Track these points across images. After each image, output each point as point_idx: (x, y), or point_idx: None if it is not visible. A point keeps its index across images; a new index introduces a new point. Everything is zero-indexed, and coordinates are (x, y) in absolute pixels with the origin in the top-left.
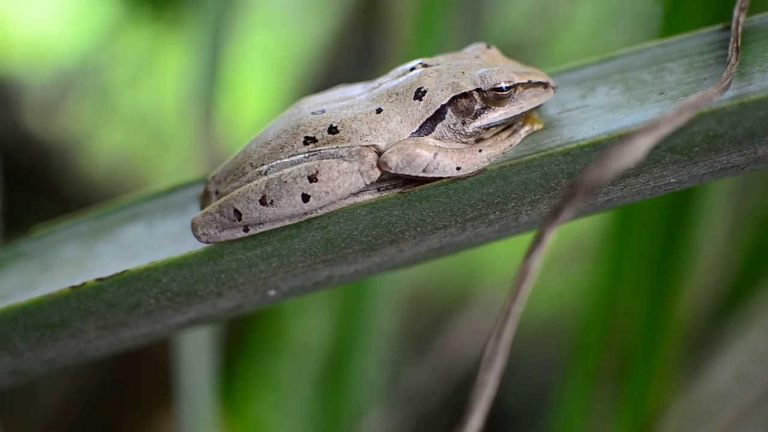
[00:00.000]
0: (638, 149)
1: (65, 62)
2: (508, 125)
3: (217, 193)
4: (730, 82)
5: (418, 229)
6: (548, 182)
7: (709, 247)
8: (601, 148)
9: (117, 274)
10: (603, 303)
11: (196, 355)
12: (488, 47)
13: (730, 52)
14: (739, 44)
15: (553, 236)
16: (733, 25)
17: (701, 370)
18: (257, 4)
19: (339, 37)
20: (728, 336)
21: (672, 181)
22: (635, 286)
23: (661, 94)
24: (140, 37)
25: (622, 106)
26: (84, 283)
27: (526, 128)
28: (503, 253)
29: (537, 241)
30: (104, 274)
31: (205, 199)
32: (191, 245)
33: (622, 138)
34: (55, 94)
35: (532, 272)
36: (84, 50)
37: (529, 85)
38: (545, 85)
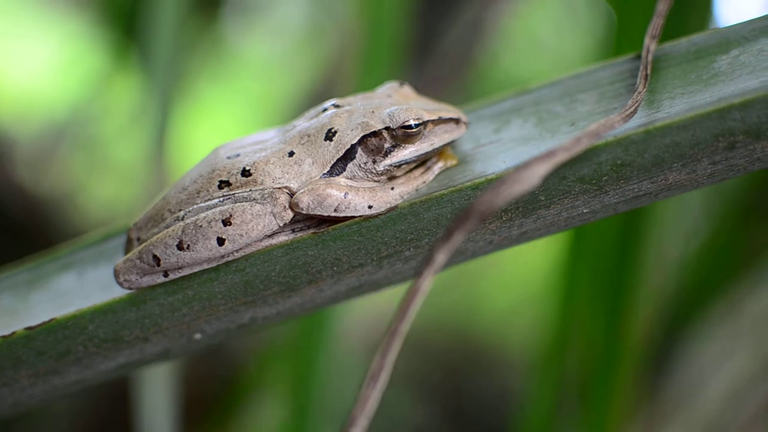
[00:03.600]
0: (534, 176)
1: (55, 114)
2: (422, 162)
3: (138, 239)
4: (635, 110)
5: (335, 268)
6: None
7: (660, 266)
8: None
9: (45, 323)
10: (557, 332)
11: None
12: (401, 85)
13: (638, 80)
14: (648, 72)
15: (444, 258)
16: (644, 53)
17: (659, 388)
18: (241, 52)
19: (308, 89)
20: (682, 352)
21: (585, 211)
22: (590, 309)
23: (572, 125)
24: (129, 86)
25: (534, 139)
26: (14, 332)
27: (440, 165)
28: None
29: (427, 262)
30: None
31: (128, 246)
32: (119, 292)
33: (519, 166)
34: (46, 146)
35: (422, 291)
36: (73, 102)
37: (440, 121)
38: (457, 121)
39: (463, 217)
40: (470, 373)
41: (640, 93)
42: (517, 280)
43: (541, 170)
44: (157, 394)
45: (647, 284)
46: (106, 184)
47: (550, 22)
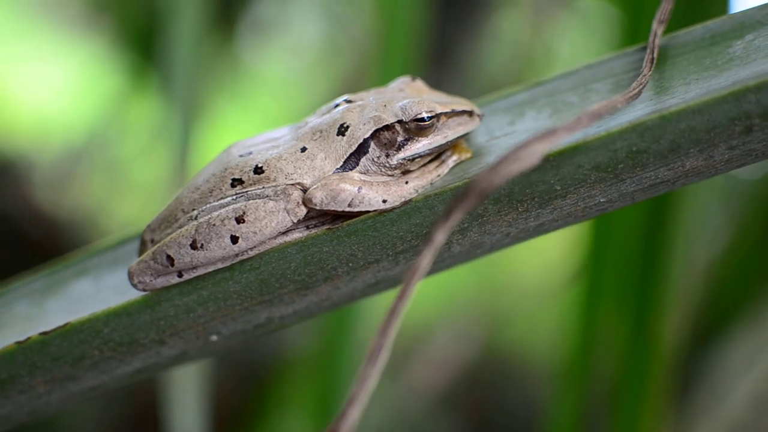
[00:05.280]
0: (534, 154)
1: (73, 136)
2: (437, 156)
3: (152, 241)
4: (639, 92)
5: (351, 264)
6: (475, 209)
7: (688, 271)
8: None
9: (59, 327)
10: (582, 339)
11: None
12: (413, 79)
13: (644, 63)
14: (654, 56)
15: (444, 238)
16: (651, 38)
17: (685, 394)
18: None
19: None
20: (709, 358)
21: (602, 200)
22: (616, 316)
23: None
24: (146, 107)
25: None
26: (29, 338)
27: (454, 158)
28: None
29: (428, 241)
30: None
31: (142, 248)
32: (134, 295)
33: (519, 145)
34: (64, 169)
35: (422, 270)
36: (91, 123)
37: (453, 114)
38: (470, 113)
39: (462, 196)
40: (495, 383)
41: (645, 75)
42: (539, 290)
43: (540, 149)
44: (187, 410)
45: (675, 289)
46: (127, 205)
47: (566, 33)
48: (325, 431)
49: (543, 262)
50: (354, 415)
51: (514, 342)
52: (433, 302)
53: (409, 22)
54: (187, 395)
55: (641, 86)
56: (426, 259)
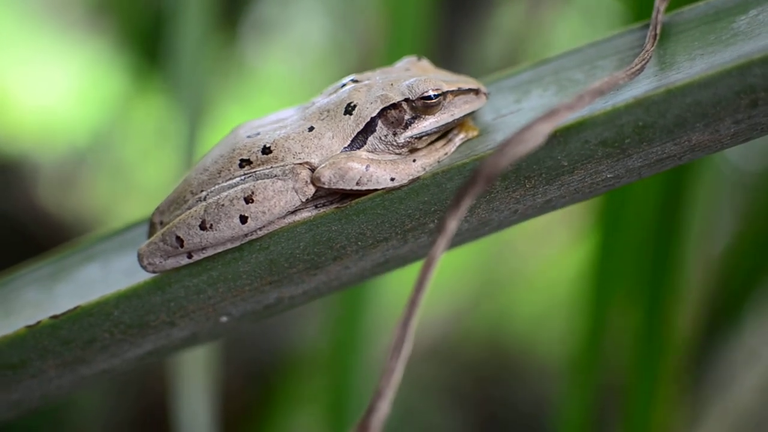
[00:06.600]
0: (538, 135)
1: (77, 138)
2: (444, 134)
3: (161, 223)
4: (642, 67)
5: (360, 243)
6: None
7: (700, 262)
8: None
9: (70, 311)
10: (590, 334)
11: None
12: (419, 59)
13: (647, 39)
14: (657, 32)
15: (455, 226)
16: (654, 13)
17: (699, 384)
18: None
19: None
20: (719, 348)
21: (609, 176)
22: (626, 310)
23: None
24: (150, 108)
25: None
26: (39, 322)
27: (461, 136)
28: (525, 300)
29: (440, 230)
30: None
31: (151, 231)
32: (143, 278)
33: (523, 126)
34: (69, 170)
35: (435, 262)
36: (95, 125)
37: (459, 92)
38: (476, 91)
39: (470, 182)
40: (503, 380)
41: (647, 51)
42: (547, 283)
43: (544, 129)
44: (195, 409)
45: (688, 279)
46: (132, 206)
47: (572, 30)
48: (355, 426)
49: (550, 255)
50: (384, 408)
51: (522, 336)
52: (439, 298)
53: (414, 18)
54: (195, 394)
55: (644, 62)
56: (440, 248)
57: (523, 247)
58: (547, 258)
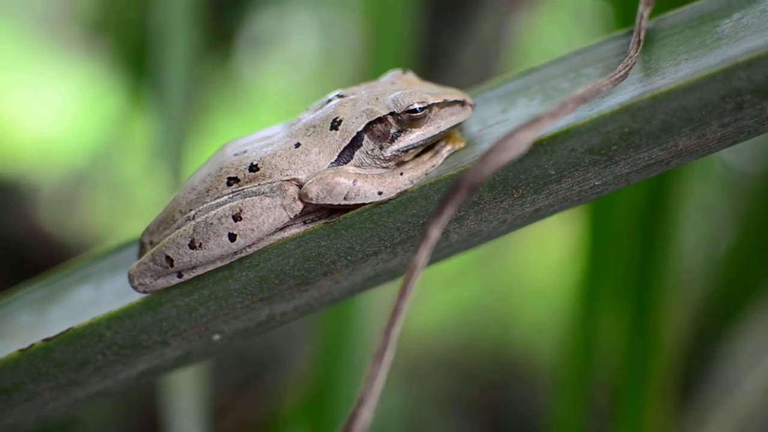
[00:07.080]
0: (521, 143)
1: (75, 159)
2: (431, 146)
3: (151, 243)
4: (626, 74)
5: (349, 257)
6: (471, 197)
7: (688, 266)
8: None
9: (62, 333)
10: (581, 340)
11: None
12: (404, 72)
13: (631, 45)
14: (641, 38)
15: (438, 234)
16: (637, 19)
17: (695, 389)
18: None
19: None
20: (718, 352)
21: (597, 183)
22: (616, 314)
23: None
24: (146, 126)
25: None
26: (32, 345)
27: (448, 148)
28: (529, 306)
29: (423, 239)
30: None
31: (141, 251)
32: (135, 299)
33: (506, 135)
34: (68, 191)
35: (419, 268)
36: (92, 145)
37: (445, 104)
38: (462, 103)
39: (453, 191)
40: (506, 386)
41: (631, 57)
42: (548, 292)
43: (527, 137)
44: (186, 421)
45: (675, 285)
46: (132, 224)
47: (563, 35)
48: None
49: (549, 263)
50: (366, 414)
51: (524, 344)
52: (440, 308)
53: (398, 31)
54: (186, 409)
55: (627, 68)
56: (423, 256)
57: (524, 255)
58: (546, 266)
